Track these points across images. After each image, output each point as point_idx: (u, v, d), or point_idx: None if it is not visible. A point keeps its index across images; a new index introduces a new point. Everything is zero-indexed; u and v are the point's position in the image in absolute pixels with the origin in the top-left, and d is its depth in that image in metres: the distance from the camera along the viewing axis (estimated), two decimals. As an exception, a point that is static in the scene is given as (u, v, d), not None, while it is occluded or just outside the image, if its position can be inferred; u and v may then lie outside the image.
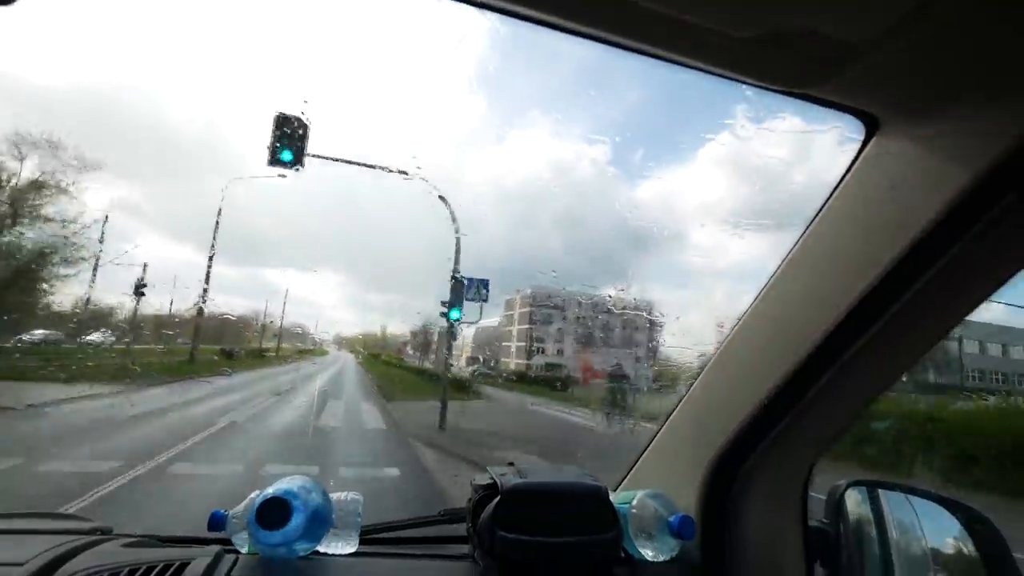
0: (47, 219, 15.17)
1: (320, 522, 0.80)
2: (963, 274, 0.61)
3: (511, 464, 0.91)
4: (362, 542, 0.86)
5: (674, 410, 0.99)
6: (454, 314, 10.15)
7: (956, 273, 0.61)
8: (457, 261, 10.40)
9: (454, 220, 10.43)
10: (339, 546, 0.84)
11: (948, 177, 0.55)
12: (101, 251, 15.45)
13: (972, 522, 0.82)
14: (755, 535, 0.85)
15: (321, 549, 0.82)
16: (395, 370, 28.49)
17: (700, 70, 0.58)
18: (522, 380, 27.50)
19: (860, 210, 0.67)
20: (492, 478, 0.86)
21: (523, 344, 38.05)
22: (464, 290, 10.19)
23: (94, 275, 15.53)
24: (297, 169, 7.84)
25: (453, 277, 10.12)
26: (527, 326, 37.63)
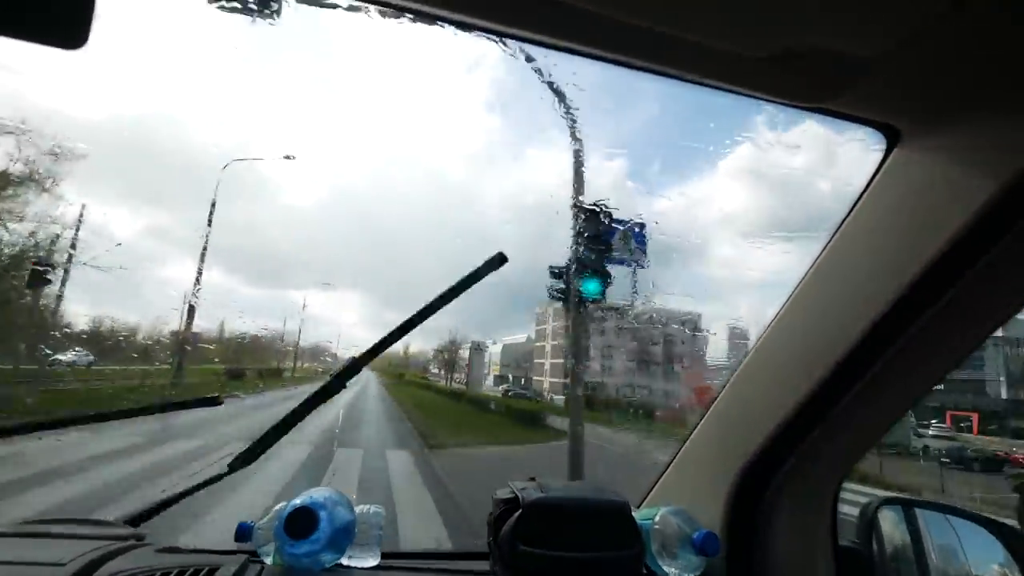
0: (15, 216, 12.83)
1: (345, 534, 0.88)
2: (994, 284, 0.65)
3: (532, 479, 0.99)
4: (383, 555, 0.94)
5: (698, 425, 1.05)
6: (591, 287, 5.49)
7: (986, 283, 0.64)
8: (580, 183, 5.95)
9: (565, 105, 5.31)
10: (362, 559, 0.92)
11: (973, 187, 0.59)
12: (74, 250, 13.17)
13: (1017, 544, 0.84)
14: (783, 554, 0.89)
15: (344, 562, 0.91)
16: (424, 392, 27.03)
17: (719, 88, 0.64)
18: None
19: (885, 221, 0.71)
20: (513, 492, 0.93)
21: (559, 361, 37.49)
22: (608, 244, 5.61)
23: (64, 280, 13.36)
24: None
25: (584, 211, 5.66)
26: (562, 341, 37.16)
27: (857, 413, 0.81)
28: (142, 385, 14.39)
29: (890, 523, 0.91)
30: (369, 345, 1.02)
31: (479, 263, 1.00)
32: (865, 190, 0.73)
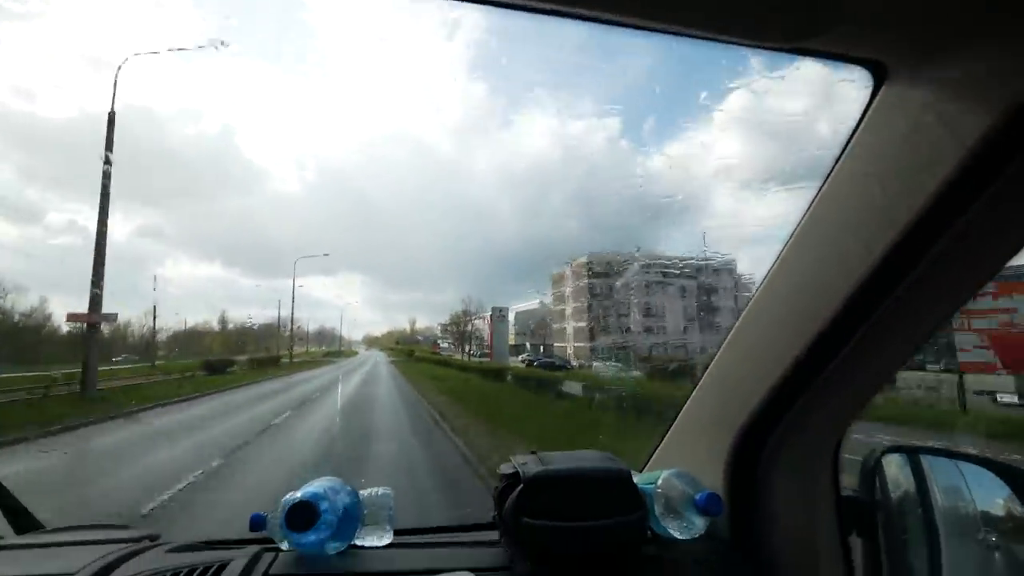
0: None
1: (350, 520, 0.99)
2: (990, 227, 0.65)
3: (534, 452, 1.08)
4: (396, 532, 1.05)
5: (696, 387, 1.12)
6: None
7: (982, 227, 0.65)
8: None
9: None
10: (374, 539, 1.04)
11: (968, 121, 0.59)
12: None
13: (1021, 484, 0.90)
14: (785, 508, 0.97)
15: (358, 542, 1.02)
16: (446, 371, 23.91)
17: (695, 37, 0.64)
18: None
19: (875, 165, 0.72)
20: (515, 467, 1.03)
21: (583, 324, 36.69)
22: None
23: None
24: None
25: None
26: (586, 302, 36.41)
27: (854, 368, 0.85)
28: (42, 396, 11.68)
29: (894, 470, 0.97)
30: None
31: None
32: (854, 133, 0.73)
